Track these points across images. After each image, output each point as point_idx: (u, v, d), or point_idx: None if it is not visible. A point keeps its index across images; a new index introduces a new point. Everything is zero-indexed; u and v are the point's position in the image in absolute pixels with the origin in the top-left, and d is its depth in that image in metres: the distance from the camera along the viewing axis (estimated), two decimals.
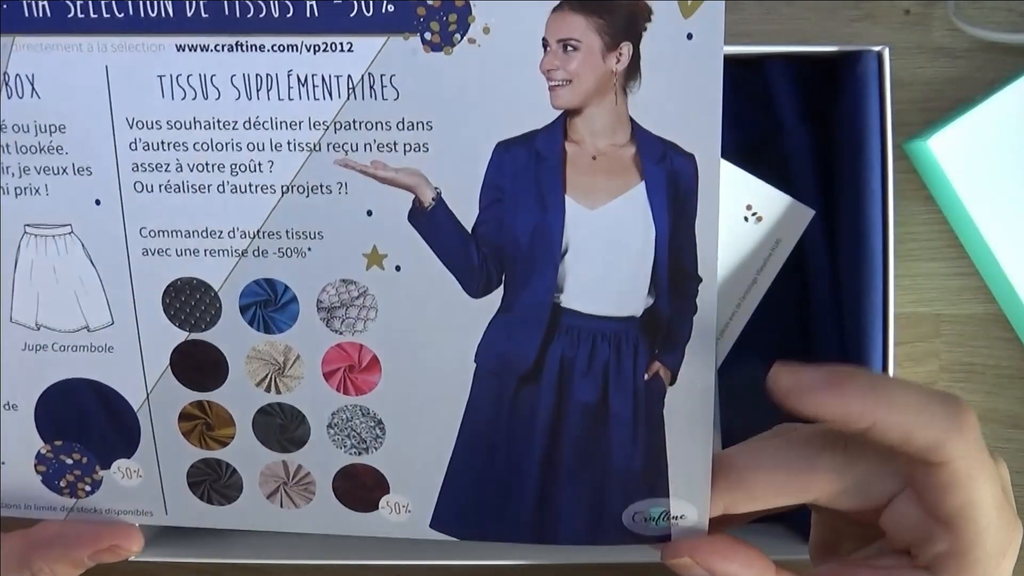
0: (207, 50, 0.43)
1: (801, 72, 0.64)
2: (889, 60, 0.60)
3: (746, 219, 0.63)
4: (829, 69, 0.64)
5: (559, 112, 0.42)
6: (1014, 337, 0.68)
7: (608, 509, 0.47)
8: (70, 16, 0.43)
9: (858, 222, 0.60)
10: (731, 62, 0.64)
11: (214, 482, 0.49)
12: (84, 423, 0.48)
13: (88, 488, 0.49)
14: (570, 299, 0.44)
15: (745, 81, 0.64)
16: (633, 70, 0.41)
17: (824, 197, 0.64)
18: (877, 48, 0.60)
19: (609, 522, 0.47)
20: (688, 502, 0.46)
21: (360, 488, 0.48)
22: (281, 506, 0.49)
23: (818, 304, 0.64)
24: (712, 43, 0.41)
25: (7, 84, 0.44)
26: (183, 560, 0.60)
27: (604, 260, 0.44)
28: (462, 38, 0.41)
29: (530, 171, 0.43)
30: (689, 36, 0.41)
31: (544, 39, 0.41)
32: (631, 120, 0.42)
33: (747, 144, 0.64)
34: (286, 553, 0.61)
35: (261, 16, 0.42)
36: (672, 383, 0.45)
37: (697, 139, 0.42)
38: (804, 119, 0.64)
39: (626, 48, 0.41)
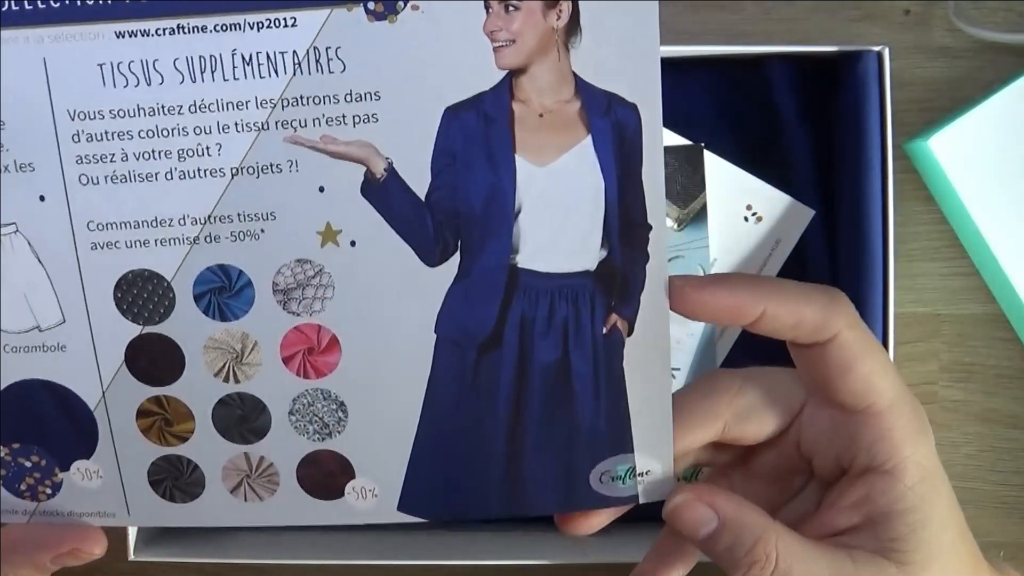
0: (148, 35, 0.42)
1: (801, 72, 0.66)
2: (889, 60, 0.61)
3: (746, 219, 0.64)
4: (829, 69, 0.65)
5: (504, 72, 0.43)
6: (1014, 337, 0.69)
7: (576, 472, 0.47)
8: (3, 9, 0.42)
9: (858, 222, 0.62)
10: (731, 62, 0.66)
11: (176, 479, 0.48)
12: (41, 425, 0.47)
13: (49, 491, 0.48)
14: (526, 259, 0.45)
15: (745, 81, 0.66)
16: (573, 26, 0.42)
17: (824, 197, 0.66)
18: (877, 48, 0.62)
19: (578, 486, 0.47)
20: (652, 457, 0.46)
21: (325, 475, 0.48)
22: (245, 499, 0.48)
23: None
24: None
25: None
26: (183, 560, 0.60)
27: (557, 217, 0.44)
28: (405, 5, 0.42)
29: (479, 134, 0.43)
30: None
31: (485, 1, 0.42)
32: (574, 75, 0.43)
33: (747, 144, 0.66)
34: (286, 553, 0.61)
35: None
36: (630, 334, 0.45)
37: (638, 89, 0.43)
38: (804, 119, 0.66)
39: (566, 5, 0.42)
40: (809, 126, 0.66)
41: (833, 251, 0.65)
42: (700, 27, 0.66)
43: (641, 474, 0.47)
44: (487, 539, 0.64)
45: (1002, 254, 0.63)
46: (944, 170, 0.62)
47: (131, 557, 0.59)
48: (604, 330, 0.45)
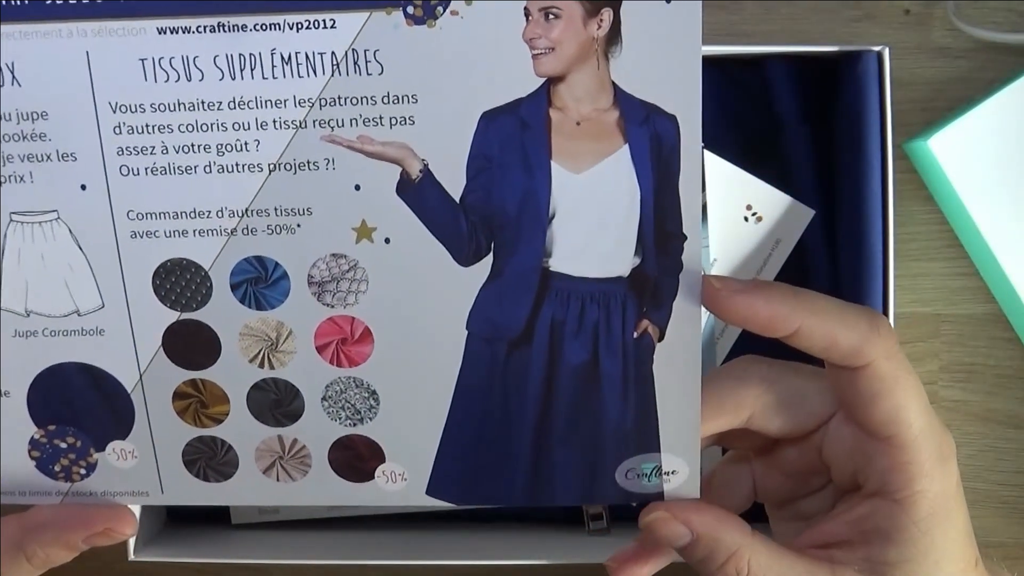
0: (189, 32, 0.42)
1: (801, 72, 0.65)
2: (889, 60, 0.60)
3: (746, 219, 0.63)
4: (829, 69, 0.64)
5: (543, 80, 0.43)
6: (1014, 337, 0.69)
7: (601, 467, 0.48)
8: (49, 2, 0.42)
9: (858, 222, 0.61)
10: (731, 62, 0.65)
11: (210, 459, 0.49)
12: (77, 407, 0.48)
13: (83, 471, 0.49)
14: (559, 263, 0.45)
15: (745, 81, 0.65)
16: (614, 35, 0.42)
17: (824, 197, 0.65)
18: (877, 48, 0.61)
19: (603, 480, 0.48)
20: (679, 456, 0.47)
21: (356, 459, 0.49)
22: (277, 480, 0.49)
23: None
24: (690, 5, 0.41)
25: None
26: (183, 560, 0.61)
27: (591, 223, 0.44)
28: (444, 10, 0.42)
29: (516, 139, 0.43)
30: None
31: (526, 8, 0.42)
32: (613, 84, 0.43)
33: (747, 144, 0.65)
34: (286, 553, 0.61)
35: None
36: (660, 339, 0.46)
37: (678, 100, 0.43)
38: (804, 119, 0.65)
39: (607, 14, 0.42)
40: (809, 126, 0.65)
41: (833, 251, 0.65)
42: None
43: (667, 473, 0.47)
44: (488, 539, 0.64)
45: (1002, 254, 0.63)
46: (944, 170, 0.62)
47: (131, 557, 0.60)
48: (635, 335, 0.46)
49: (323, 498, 0.49)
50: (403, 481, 0.49)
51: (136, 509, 0.51)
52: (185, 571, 0.70)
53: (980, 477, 0.69)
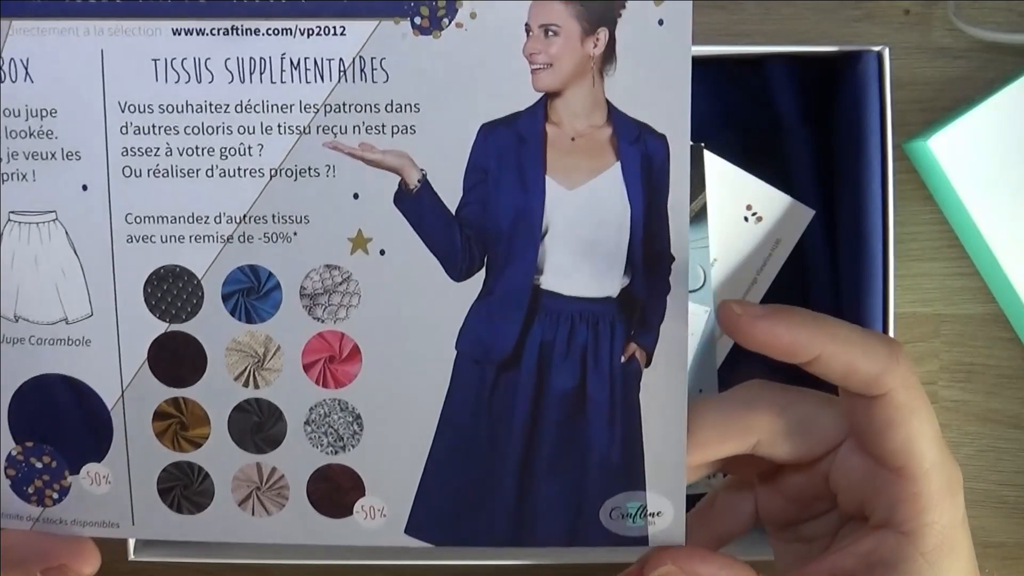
0: (203, 34, 0.44)
1: (801, 72, 0.66)
2: (889, 60, 0.61)
3: (746, 219, 0.64)
4: (829, 69, 0.66)
5: (540, 95, 0.44)
6: (1014, 337, 0.69)
7: (586, 506, 0.47)
8: (67, 0, 0.44)
9: (858, 222, 0.62)
10: (731, 62, 0.67)
11: (185, 488, 0.48)
12: (57, 423, 0.47)
13: (56, 496, 0.48)
14: (549, 281, 0.46)
15: (745, 81, 0.67)
16: (609, 54, 0.44)
17: (824, 197, 0.66)
18: (877, 48, 0.62)
19: (587, 520, 0.47)
20: (664, 497, 0.46)
21: (335, 491, 0.48)
22: (253, 514, 0.48)
23: (818, 304, 0.65)
24: (681, 29, 0.44)
25: (1, 68, 0.44)
26: (183, 560, 0.59)
27: (582, 240, 0.45)
28: (450, 22, 0.44)
29: (512, 153, 0.45)
30: (660, 22, 0.44)
31: (527, 24, 0.44)
32: (607, 102, 0.45)
33: (747, 144, 0.66)
34: (286, 553, 0.60)
35: (257, 0, 0.44)
36: (648, 365, 0.46)
37: (668, 121, 0.44)
38: (804, 119, 0.66)
39: (603, 33, 0.44)
40: (809, 126, 0.66)
41: (833, 251, 0.65)
42: (700, 27, 0.66)
43: (652, 514, 0.47)
44: None
45: (1002, 254, 0.63)
46: (944, 170, 0.62)
47: (131, 558, 0.59)
48: (622, 359, 0.46)
49: (299, 535, 0.48)
50: (382, 518, 0.48)
51: None
52: (185, 571, 0.68)
53: (980, 477, 0.68)
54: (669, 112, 0.44)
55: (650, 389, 0.46)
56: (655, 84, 0.44)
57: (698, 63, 0.65)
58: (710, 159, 0.64)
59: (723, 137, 0.66)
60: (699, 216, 0.63)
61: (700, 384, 0.64)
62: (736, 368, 0.66)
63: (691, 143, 0.63)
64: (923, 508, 0.44)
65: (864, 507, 0.46)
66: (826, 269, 0.66)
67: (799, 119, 0.67)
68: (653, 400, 0.46)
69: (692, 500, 0.50)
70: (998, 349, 0.70)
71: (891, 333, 0.62)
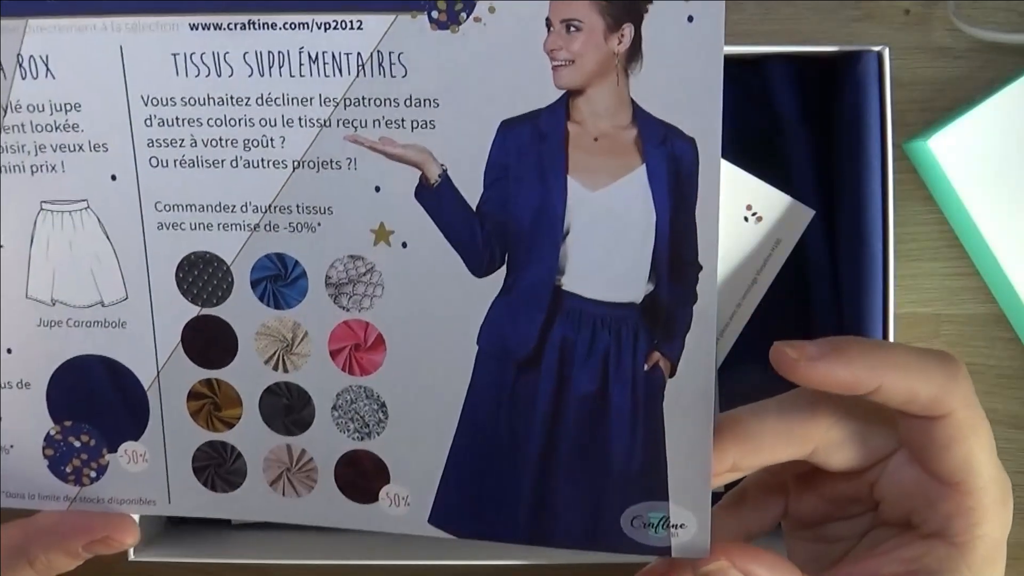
0: (220, 28, 0.44)
1: (801, 72, 0.65)
2: (889, 60, 0.60)
3: (746, 219, 0.63)
4: (829, 69, 0.64)
5: (562, 92, 0.43)
6: (1014, 337, 0.68)
7: (606, 510, 0.46)
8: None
9: (858, 222, 0.61)
10: (731, 62, 0.64)
11: (219, 467, 0.49)
12: (94, 402, 0.49)
13: (93, 474, 0.50)
14: (571, 282, 0.45)
15: (745, 81, 0.65)
16: (635, 52, 0.42)
17: (824, 197, 0.65)
18: (877, 48, 0.61)
19: (607, 525, 0.46)
20: (688, 509, 0.45)
21: (361, 477, 0.48)
22: (283, 494, 0.49)
23: (818, 304, 0.64)
24: (713, 26, 0.41)
25: (21, 66, 0.45)
26: (183, 560, 0.61)
27: (605, 243, 0.44)
28: (468, 16, 0.42)
29: (533, 150, 0.43)
30: (690, 19, 0.41)
31: (547, 19, 0.42)
32: (632, 102, 0.43)
33: (747, 144, 0.65)
34: (286, 553, 0.61)
35: None
36: (672, 375, 0.45)
37: (698, 123, 0.42)
38: (804, 119, 0.65)
39: (628, 29, 0.42)
40: (809, 126, 0.64)
41: (833, 251, 0.64)
42: None
43: (675, 526, 0.46)
44: None
45: (1002, 254, 0.62)
46: (944, 170, 0.61)
47: (131, 557, 0.60)
48: (645, 367, 0.45)
49: (326, 518, 0.49)
50: (406, 506, 0.48)
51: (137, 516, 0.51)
52: (185, 571, 0.70)
53: None
54: (699, 114, 0.42)
55: (674, 400, 0.45)
56: (684, 84, 0.42)
57: None
58: None
59: (723, 137, 0.63)
60: None
61: None
62: (736, 368, 0.65)
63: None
64: (977, 521, 0.43)
65: (912, 516, 0.45)
66: (826, 269, 0.64)
67: (799, 119, 0.65)
68: (677, 411, 0.45)
69: (714, 497, 0.49)
70: (998, 349, 0.69)
71: (891, 333, 0.61)
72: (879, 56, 0.61)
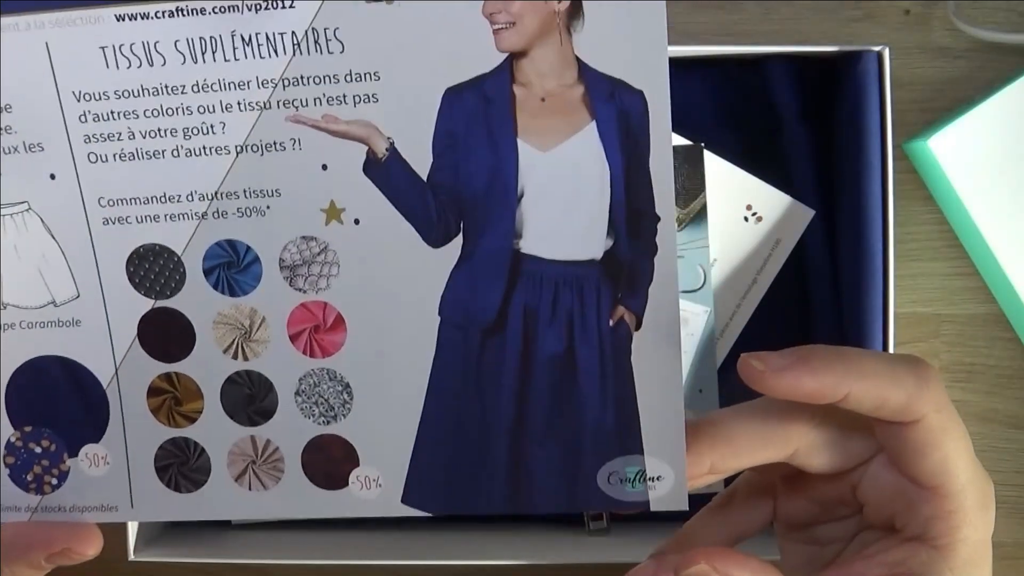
0: (147, 18, 0.43)
1: (801, 72, 0.65)
2: (889, 60, 0.60)
3: (746, 219, 0.63)
4: (829, 69, 0.64)
5: (505, 55, 0.42)
6: (1014, 337, 0.68)
7: (582, 470, 0.46)
8: None
9: (858, 222, 0.61)
10: (731, 62, 0.66)
11: (182, 465, 0.48)
12: (54, 404, 0.48)
13: (55, 481, 0.49)
14: (529, 244, 0.44)
15: (745, 81, 0.65)
16: (576, 9, 0.41)
17: (824, 197, 0.65)
18: (877, 48, 0.61)
19: (584, 484, 0.46)
20: (664, 461, 0.45)
21: (329, 462, 0.48)
22: (250, 488, 0.48)
23: (818, 304, 0.64)
24: None
25: None
26: (183, 560, 0.60)
27: (560, 202, 0.44)
28: None
29: (480, 116, 0.43)
30: None
31: None
32: (577, 59, 0.42)
33: (747, 144, 0.65)
34: (286, 553, 0.61)
35: None
36: (638, 328, 0.44)
37: (645, 75, 0.42)
38: (804, 119, 0.65)
39: None
40: (809, 126, 0.64)
41: (833, 251, 0.64)
42: (700, 27, 0.66)
43: (652, 479, 0.46)
44: (487, 539, 0.64)
45: (1002, 254, 0.62)
46: (944, 170, 0.61)
47: (131, 557, 0.60)
48: (611, 322, 0.45)
49: (296, 510, 0.48)
50: (377, 487, 0.47)
51: None
52: (185, 571, 0.69)
53: None
54: (645, 66, 0.42)
55: (642, 353, 0.45)
56: (627, 38, 0.42)
57: (698, 63, 0.64)
58: (710, 159, 0.62)
59: (723, 137, 0.65)
60: (699, 216, 0.62)
61: (700, 384, 0.63)
62: (736, 368, 0.64)
63: (691, 143, 0.61)
64: (958, 525, 0.43)
65: (895, 520, 0.45)
66: (826, 269, 0.64)
67: (799, 119, 0.65)
68: (646, 364, 0.45)
69: (704, 499, 0.49)
70: (998, 349, 0.69)
71: (891, 333, 0.61)
72: (879, 56, 0.61)
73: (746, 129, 0.65)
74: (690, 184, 0.62)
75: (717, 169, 0.62)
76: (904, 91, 0.66)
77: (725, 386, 0.62)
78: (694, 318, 0.62)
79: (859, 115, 0.61)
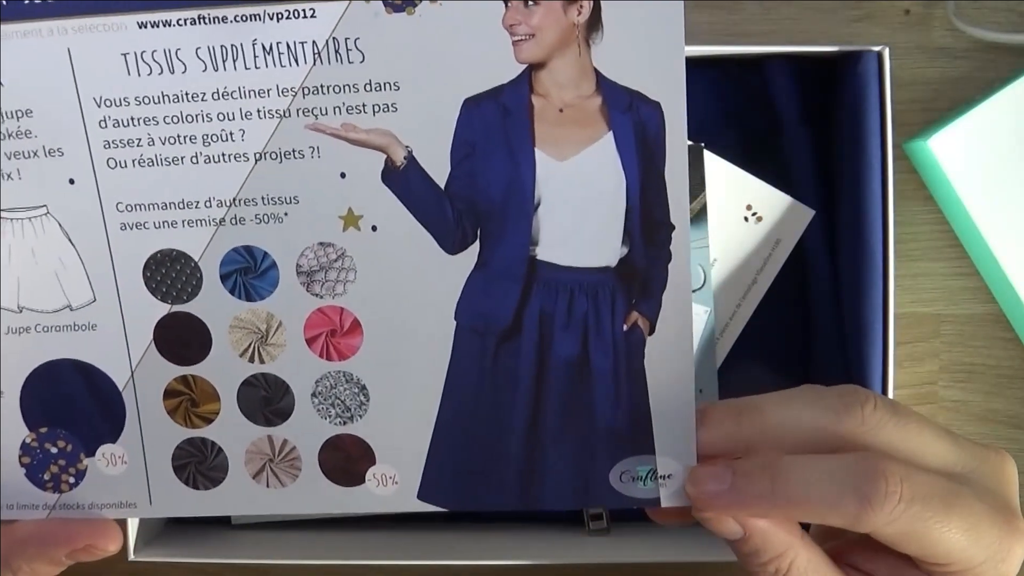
0: (169, 25, 0.43)
1: (801, 72, 0.65)
2: (889, 60, 0.60)
3: (746, 219, 0.63)
4: (829, 69, 0.64)
5: (524, 66, 0.43)
6: (1014, 337, 0.68)
7: (595, 469, 0.47)
8: (27, 3, 0.43)
9: (858, 222, 0.61)
10: (731, 62, 0.65)
11: (199, 464, 0.49)
12: (69, 406, 0.48)
13: (72, 480, 0.49)
14: (545, 252, 0.45)
15: (745, 81, 0.65)
16: (595, 21, 0.42)
17: (824, 197, 0.65)
18: (877, 48, 0.60)
19: (596, 482, 0.47)
20: (674, 459, 0.46)
21: (346, 460, 0.48)
22: (268, 486, 0.49)
23: (818, 304, 0.64)
24: None
25: None
26: (183, 560, 0.60)
27: (577, 211, 0.44)
28: None
29: (498, 126, 0.43)
30: None
31: None
32: (595, 71, 0.43)
33: (747, 144, 0.65)
34: (286, 553, 0.61)
35: None
36: (651, 333, 0.45)
37: (662, 87, 0.43)
38: (804, 119, 0.65)
39: (587, 0, 0.42)
40: (809, 126, 0.64)
41: (833, 251, 0.64)
42: (700, 27, 0.66)
43: (663, 477, 0.46)
44: (487, 539, 0.64)
45: (1002, 254, 0.62)
46: (944, 170, 0.62)
47: (131, 558, 0.59)
48: (624, 327, 0.45)
49: (314, 506, 0.49)
50: (394, 485, 0.48)
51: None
52: (185, 571, 0.69)
53: None
54: (662, 78, 0.42)
55: (655, 357, 0.45)
56: (646, 50, 0.42)
57: (698, 63, 0.64)
58: (710, 159, 0.62)
59: (723, 137, 0.64)
60: (699, 216, 0.62)
61: (700, 384, 0.63)
62: (736, 368, 0.65)
63: (691, 143, 0.62)
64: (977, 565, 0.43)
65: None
66: (826, 269, 0.64)
67: (799, 119, 0.64)
68: (658, 367, 0.45)
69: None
70: (998, 349, 0.68)
71: (891, 333, 0.61)
72: (879, 56, 0.61)
73: (746, 129, 0.65)
74: (690, 184, 0.62)
75: (717, 169, 0.62)
76: (904, 91, 0.66)
77: (725, 386, 0.62)
78: (694, 318, 0.62)
79: (859, 115, 0.61)
